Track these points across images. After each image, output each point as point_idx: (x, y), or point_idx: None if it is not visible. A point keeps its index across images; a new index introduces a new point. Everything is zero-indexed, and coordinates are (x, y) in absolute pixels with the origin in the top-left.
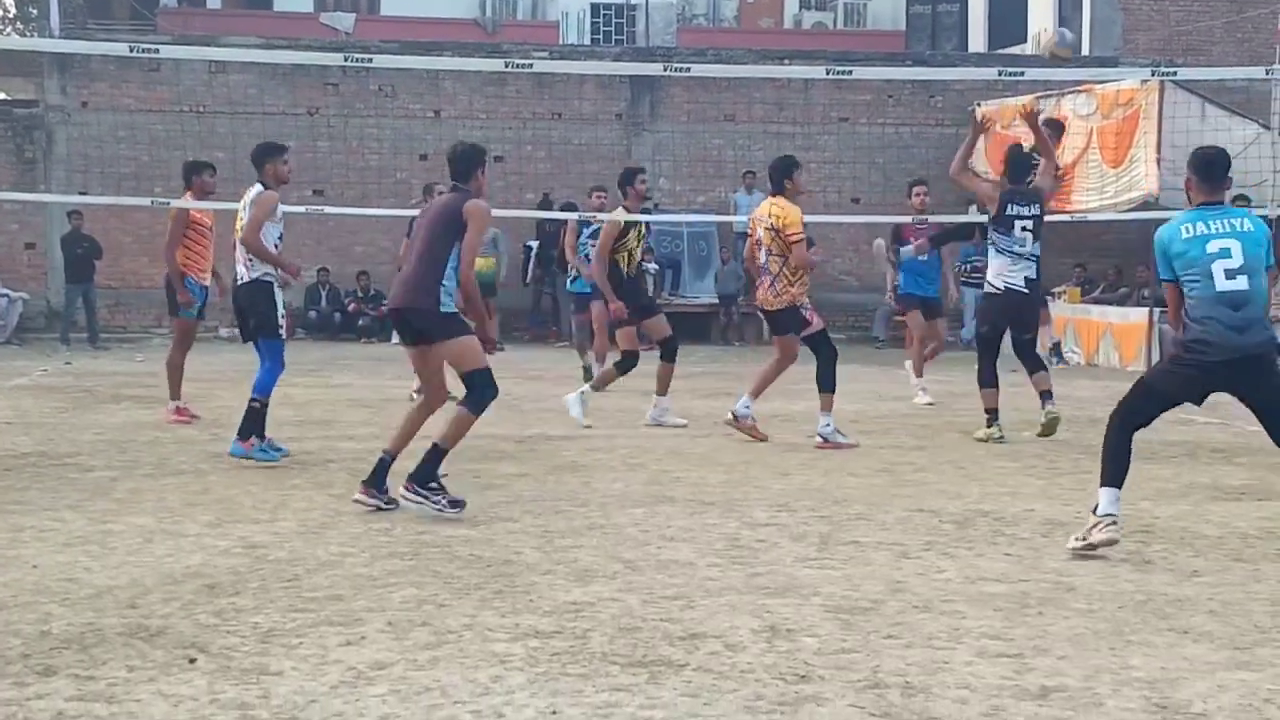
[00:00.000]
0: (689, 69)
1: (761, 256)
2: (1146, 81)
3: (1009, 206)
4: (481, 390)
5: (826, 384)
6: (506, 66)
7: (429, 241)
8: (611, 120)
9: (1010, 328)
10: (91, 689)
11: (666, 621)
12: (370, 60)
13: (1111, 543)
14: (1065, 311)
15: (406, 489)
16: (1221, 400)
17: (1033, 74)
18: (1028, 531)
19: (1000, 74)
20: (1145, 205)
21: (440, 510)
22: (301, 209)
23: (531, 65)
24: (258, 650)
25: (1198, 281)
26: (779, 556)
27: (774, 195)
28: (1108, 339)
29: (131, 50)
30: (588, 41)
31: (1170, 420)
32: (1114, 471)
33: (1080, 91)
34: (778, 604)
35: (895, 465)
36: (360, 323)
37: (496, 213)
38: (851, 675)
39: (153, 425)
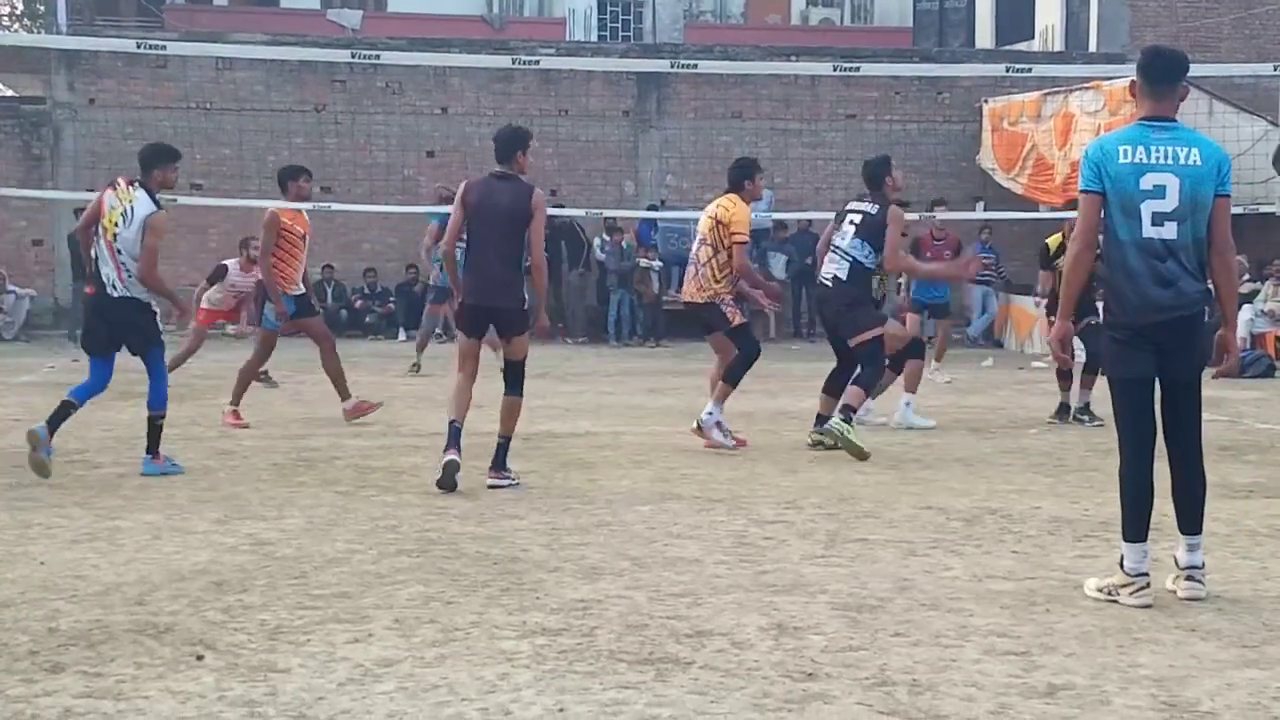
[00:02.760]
0: (696, 65)
1: (693, 246)
2: None
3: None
4: (522, 377)
5: (732, 377)
6: (513, 63)
7: (507, 238)
8: (619, 117)
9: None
10: (99, 686)
11: (674, 619)
12: (378, 57)
13: (1145, 607)
14: None
15: (493, 477)
16: (1227, 397)
17: (1040, 70)
18: (1035, 529)
19: (1008, 70)
20: None
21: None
22: (308, 205)
23: (538, 62)
24: (265, 647)
25: (1120, 221)
26: (786, 554)
27: (728, 193)
28: None
29: (139, 47)
30: (594, 38)
31: None
32: (1133, 519)
33: (1088, 88)
34: (785, 601)
35: (902, 463)
36: (367, 320)
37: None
38: (859, 673)
39: None
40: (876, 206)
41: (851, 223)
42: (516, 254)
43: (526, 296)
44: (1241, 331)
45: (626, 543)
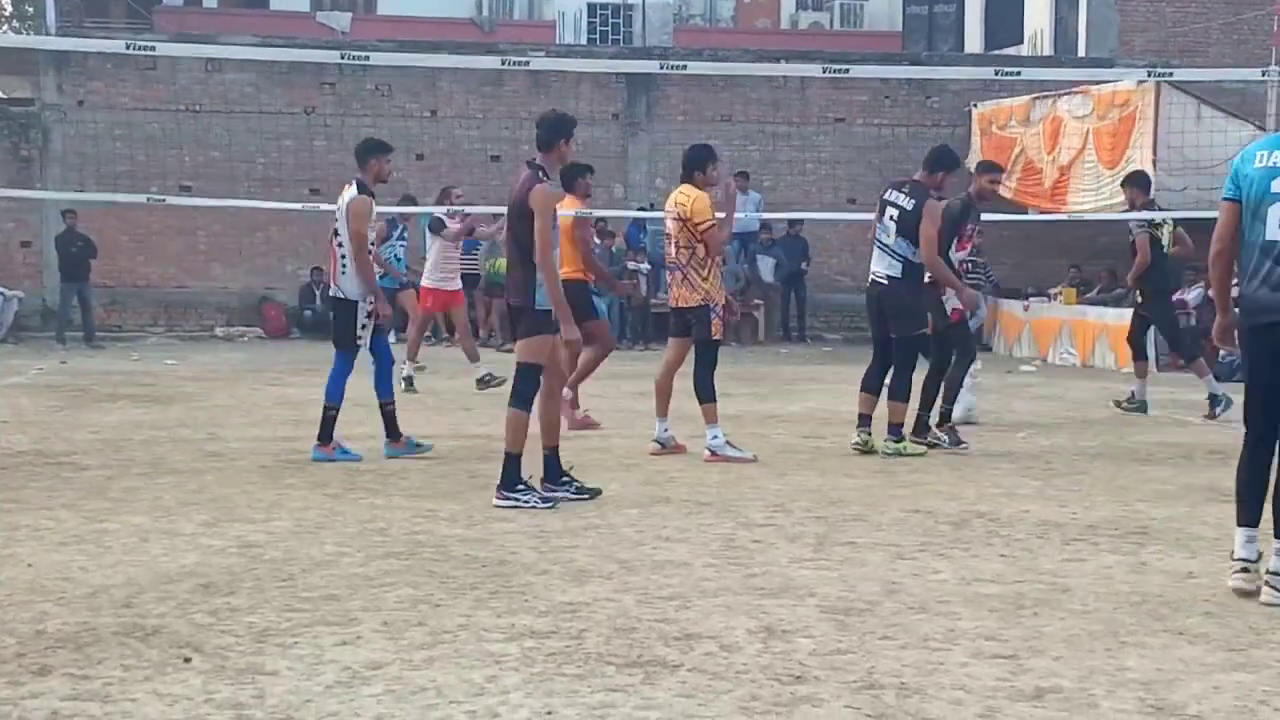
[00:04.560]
0: (685, 66)
1: (671, 251)
2: (1143, 83)
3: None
4: (525, 386)
5: (707, 393)
6: (503, 65)
7: (514, 237)
8: (608, 120)
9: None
10: (86, 688)
11: (662, 622)
12: (367, 59)
13: (1242, 593)
14: (1061, 313)
15: (498, 497)
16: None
17: (1029, 74)
18: (1023, 533)
19: (997, 74)
20: (1141, 206)
21: (533, 506)
22: (298, 207)
23: (528, 63)
24: (253, 650)
25: (1249, 223)
26: (775, 557)
27: (682, 183)
28: (1103, 341)
29: (128, 48)
30: (584, 41)
31: (1167, 422)
32: (1246, 507)
33: (1076, 93)
34: (773, 605)
35: (891, 466)
36: None
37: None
38: (847, 676)
39: (149, 424)
40: (913, 202)
41: (892, 219)
42: (523, 249)
43: (539, 298)
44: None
45: (615, 546)
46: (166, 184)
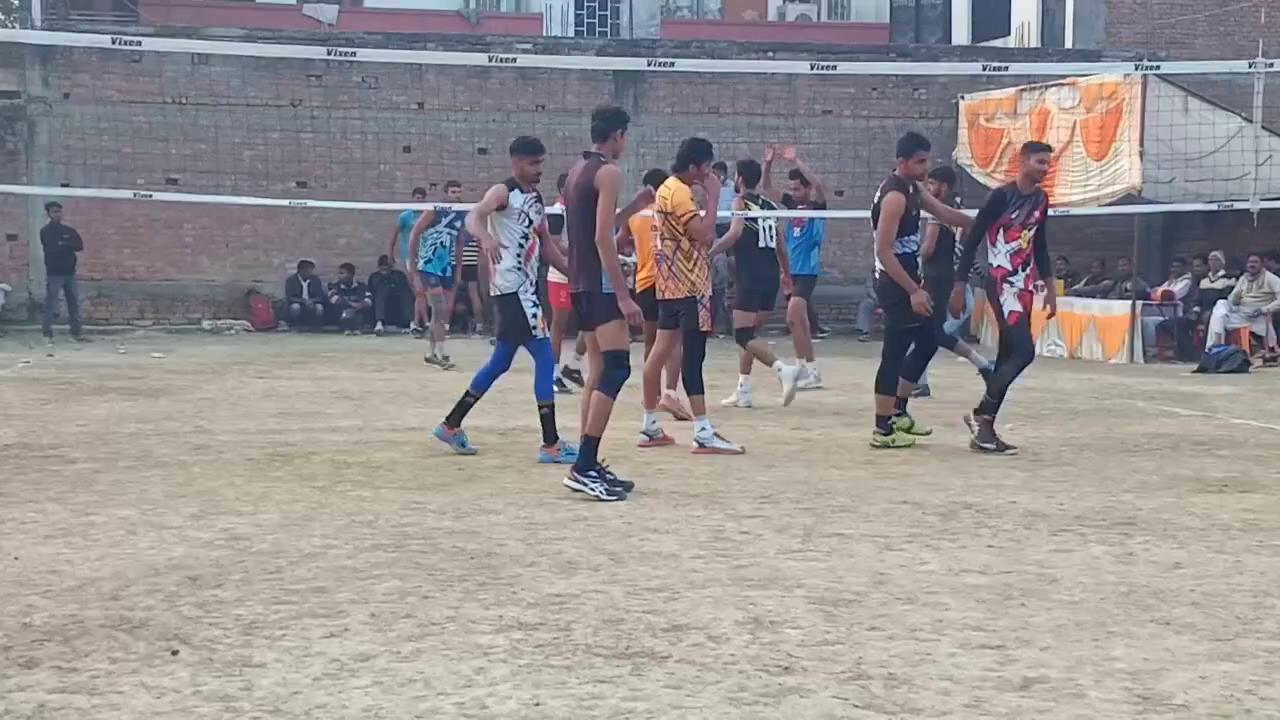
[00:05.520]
0: (673, 63)
1: (656, 243)
2: (1129, 75)
3: None
4: (614, 371)
5: (695, 385)
6: (490, 62)
7: (579, 221)
8: None
9: None
10: (74, 681)
11: (650, 613)
12: (354, 54)
13: None
14: None
15: (569, 478)
16: (1202, 392)
17: (1016, 68)
18: (1010, 524)
19: (984, 68)
20: (1128, 198)
21: (599, 496)
22: (284, 201)
23: (515, 60)
24: (240, 642)
25: None
26: (763, 548)
27: (673, 173)
28: (1090, 331)
29: (114, 42)
30: (571, 33)
31: (1154, 413)
32: None
33: (1063, 85)
34: (761, 596)
35: (879, 458)
36: (344, 315)
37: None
38: (835, 667)
39: (136, 417)
40: (880, 193)
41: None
42: (589, 235)
43: (605, 280)
44: (1216, 327)
45: (603, 537)
46: (153, 177)
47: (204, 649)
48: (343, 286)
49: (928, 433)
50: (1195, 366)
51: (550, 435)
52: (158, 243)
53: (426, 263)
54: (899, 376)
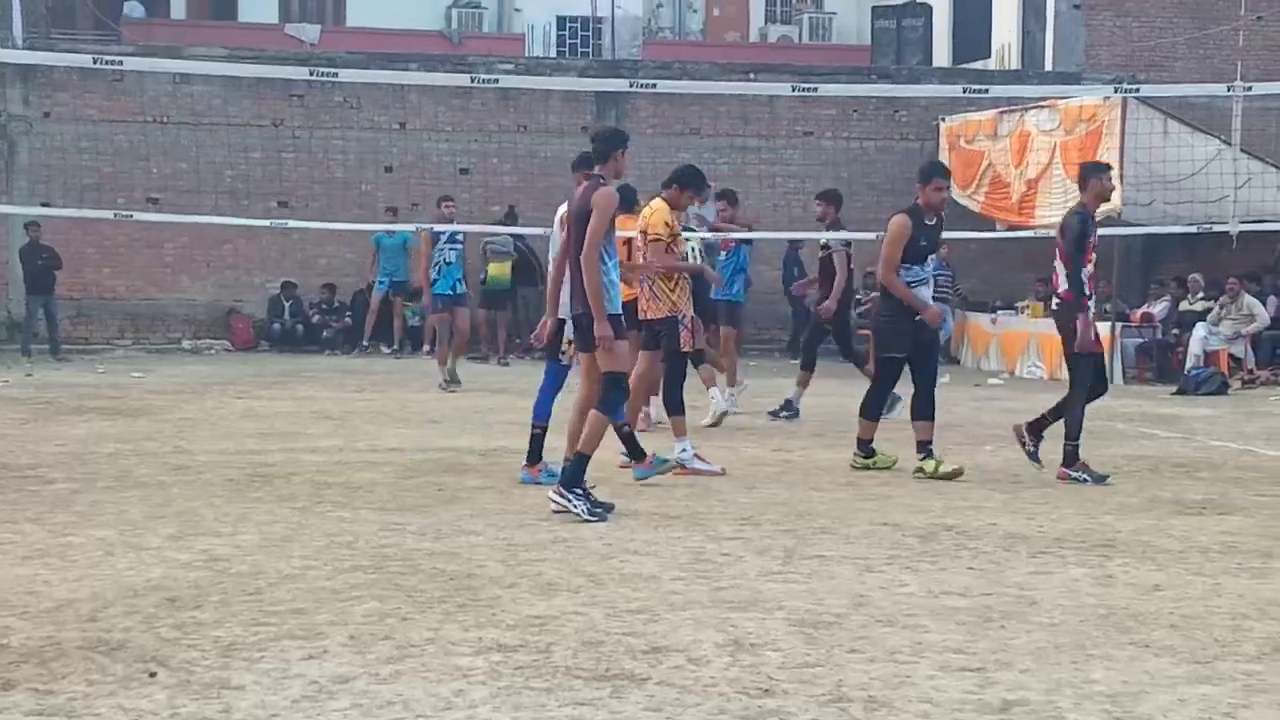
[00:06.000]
0: (654, 85)
1: (640, 260)
2: (1109, 98)
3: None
4: (613, 392)
5: (676, 406)
6: (472, 82)
7: (578, 243)
8: (577, 133)
9: None
10: (51, 703)
11: (630, 635)
12: (336, 74)
13: None
14: (1028, 326)
15: (554, 492)
16: (1181, 414)
17: (996, 90)
18: (990, 545)
19: (965, 90)
20: (1107, 220)
21: (580, 515)
22: (265, 221)
23: (497, 81)
24: (219, 664)
25: None
26: (743, 570)
27: (662, 192)
28: None
29: (95, 61)
30: (553, 54)
31: (1133, 435)
32: None
33: (1044, 107)
34: (741, 618)
35: (859, 479)
36: (324, 335)
37: (460, 226)
38: (815, 689)
39: (115, 437)
40: (890, 217)
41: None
42: None
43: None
44: (1195, 349)
45: (583, 559)
46: (134, 196)
47: (182, 671)
48: (324, 306)
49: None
50: (1174, 388)
51: (535, 455)
52: (138, 262)
53: (433, 284)
54: (879, 413)
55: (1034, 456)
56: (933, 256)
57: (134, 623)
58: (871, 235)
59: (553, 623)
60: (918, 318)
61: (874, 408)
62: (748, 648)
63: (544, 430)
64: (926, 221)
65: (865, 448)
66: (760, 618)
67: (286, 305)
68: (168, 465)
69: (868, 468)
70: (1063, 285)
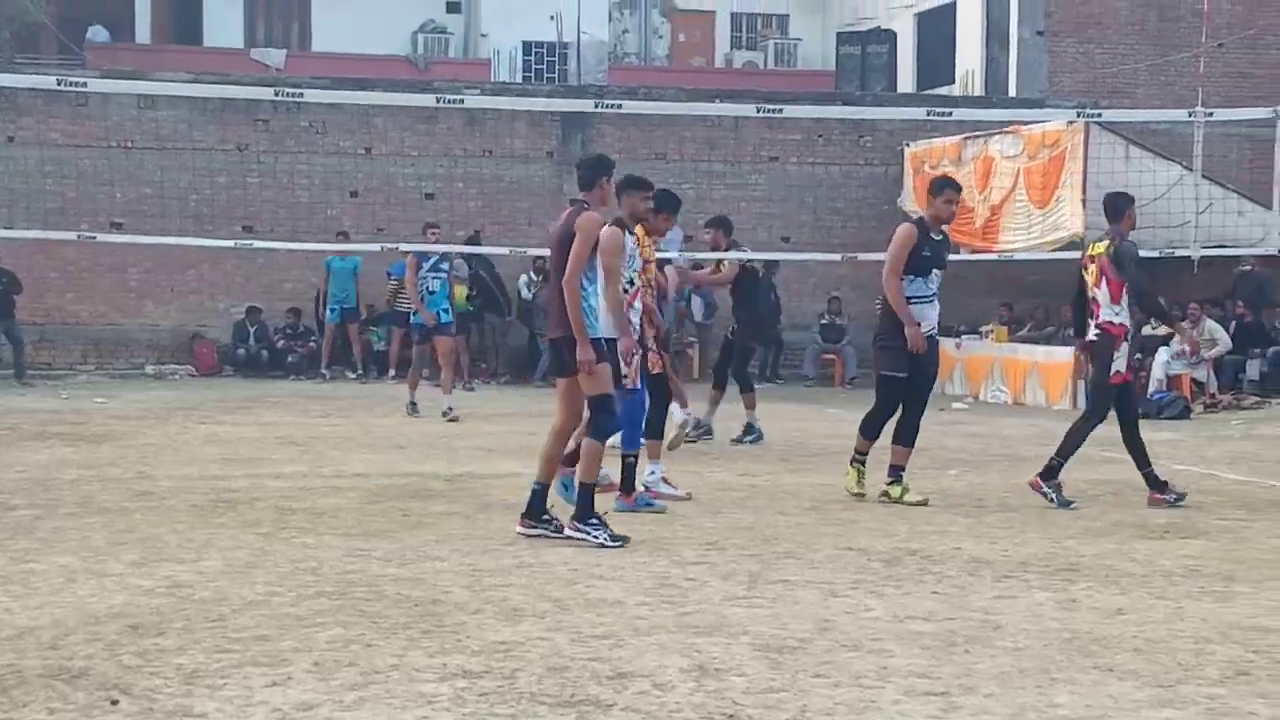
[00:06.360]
0: (620, 105)
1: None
2: (1072, 123)
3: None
4: (600, 418)
5: (650, 430)
6: (438, 102)
7: (558, 268)
8: (543, 158)
9: None
10: None
11: (595, 661)
12: (301, 95)
13: None
14: (992, 351)
15: (570, 527)
16: (1146, 439)
17: (960, 114)
18: (955, 570)
19: (929, 114)
20: (1071, 245)
21: (602, 544)
22: (230, 244)
23: (463, 101)
24: (182, 691)
25: None
26: (708, 595)
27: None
28: (1034, 378)
29: (59, 84)
30: (519, 79)
31: (1097, 460)
32: None
33: (1007, 133)
34: (706, 643)
35: (824, 504)
36: (289, 360)
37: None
38: (779, 714)
39: (78, 463)
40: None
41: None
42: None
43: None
44: (1157, 373)
45: (548, 584)
46: (98, 221)
47: (144, 699)
48: (289, 331)
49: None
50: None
51: (629, 484)
52: (101, 286)
53: (414, 313)
54: (878, 433)
55: (1064, 504)
56: (937, 271)
57: (96, 650)
58: (837, 257)
59: (518, 648)
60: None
61: (874, 428)
62: (713, 673)
63: (635, 459)
64: (933, 235)
65: (894, 472)
66: (725, 643)
67: (251, 330)
68: (131, 491)
69: (887, 498)
70: (1104, 315)
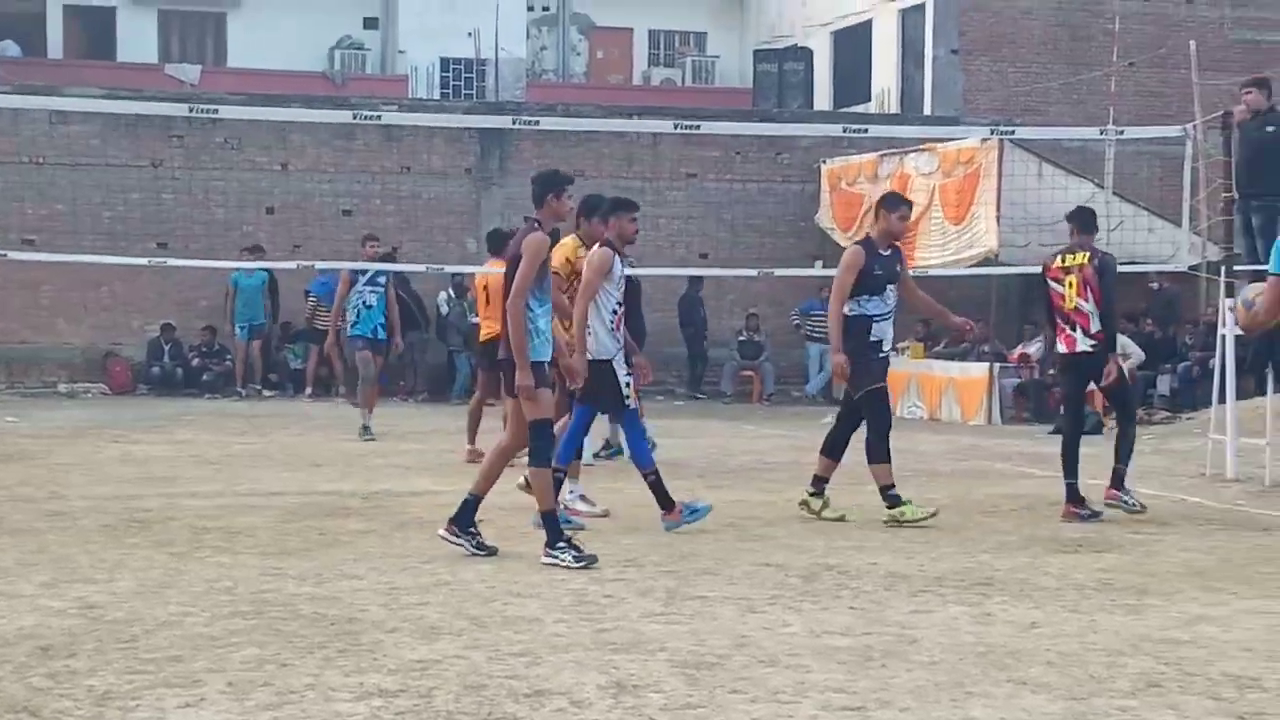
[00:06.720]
0: (538, 122)
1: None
2: (986, 140)
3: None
4: (537, 442)
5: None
6: (355, 118)
7: (505, 290)
8: (461, 175)
9: None
10: None
11: (512, 679)
12: (216, 111)
13: None
14: (909, 367)
15: (544, 555)
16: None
17: (875, 131)
18: (871, 585)
19: (845, 130)
20: (986, 261)
21: (569, 566)
22: (144, 261)
23: (380, 117)
24: (93, 714)
25: None
26: (626, 612)
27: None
28: (950, 394)
29: None
30: (437, 96)
31: (1012, 475)
32: None
33: (923, 150)
34: (624, 660)
35: (742, 520)
36: (204, 378)
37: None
38: None
39: None
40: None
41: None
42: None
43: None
44: None
45: (466, 602)
46: (8, 238)
47: None
48: (204, 349)
49: (840, 517)
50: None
51: (666, 501)
52: (13, 305)
53: (352, 325)
54: (888, 452)
55: (1134, 507)
56: (891, 287)
57: (5, 672)
58: (753, 272)
59: (435, 667)
60: (881, 354)
61: (876, 450)
62: (630, 689)
63: (657, 475)
64: (882, 251)
65: (888, 495)
66: (643, 659)
67: (166, 348)
68: (42, 511)
69: (894, 519)
70: (1094, 325)
